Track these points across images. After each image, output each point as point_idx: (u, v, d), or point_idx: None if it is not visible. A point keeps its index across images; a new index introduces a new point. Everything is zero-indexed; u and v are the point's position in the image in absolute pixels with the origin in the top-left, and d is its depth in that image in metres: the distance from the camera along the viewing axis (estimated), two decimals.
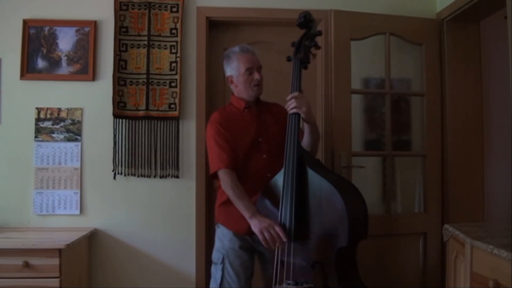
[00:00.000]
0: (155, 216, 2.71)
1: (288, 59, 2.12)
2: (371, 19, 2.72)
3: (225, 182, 2.02)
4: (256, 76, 2.13)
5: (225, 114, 2.19)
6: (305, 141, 2.11)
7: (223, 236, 2.15)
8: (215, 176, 2.11)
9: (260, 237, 1.86)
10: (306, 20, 2.07)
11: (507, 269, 1.47)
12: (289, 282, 1.86)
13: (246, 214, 1.94)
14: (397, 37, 2.80)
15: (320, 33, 2.10)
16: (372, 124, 3.02)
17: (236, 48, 2.18)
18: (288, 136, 1.97)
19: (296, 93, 2.01)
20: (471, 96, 2.82)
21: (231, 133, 2.11)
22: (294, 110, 1.98)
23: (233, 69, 2.16)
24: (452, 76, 2.80)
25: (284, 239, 1.84)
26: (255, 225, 1.88)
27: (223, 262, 2.10)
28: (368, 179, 2.91)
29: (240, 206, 1.96)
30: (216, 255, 2.15)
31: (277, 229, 1.84)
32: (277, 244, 1.86)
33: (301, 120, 2.02)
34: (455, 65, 2.80)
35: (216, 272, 2.12)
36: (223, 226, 2.16)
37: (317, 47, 2.10)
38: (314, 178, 1.87)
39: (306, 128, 2.08)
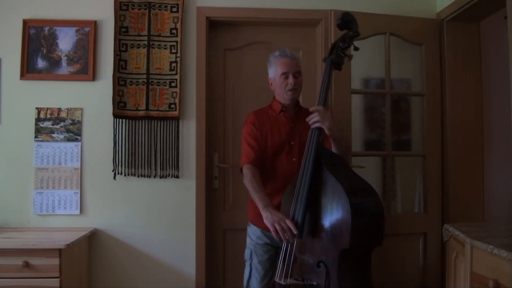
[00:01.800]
0: (155, 216, 2.71)
1: (324, 60, 2.12)
2: (371, 19, 2.72)
3: (246, 176, 2.08)
4: (291, 80, 2.16)
5: (260, 114, 2.25)
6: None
7: (252, 233, 2.23)
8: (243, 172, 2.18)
9: (271, 229, 1.87)
10: (343, 22, 2.05)
11: (507, 269, 1.47)
12: (296, 277, 1.90)
13: (259, 205, 1.97)
14: (397, 37, 2.80)
15: (357, 34, 2.06)
16: (372, 124, 3.02)
17: (276, 53, 2.23)
18: (308, 139, 1.98)
19: (320, 107, 2.00)
20: (471, 96, 2.82)
21: (263, 133, 2.18)
22: (317, 125, 1.97)
23: (272, 72, 2.23)
24: (452, 76, 2.80)
25: (295, 232, 1.85)
26: (267, 217, 1.91)
27: (251, 257, 2.19)
28: (368, 179, 2.88)
29: (255, 198, 2.01)
30: (246, 252, 2.24)
31: (288, 222, 1.86)
32: (287, 237, 1.87)
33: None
34: (455, 65, 2.80)
35: (246, 268, 2.20)
36: (252, 224, 2.23)
37: (355, 48, 2.08)
38: (328, 179, 1.87)
39: (333, 144, 2.06)
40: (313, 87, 2.81)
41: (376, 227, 1.88)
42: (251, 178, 2.06)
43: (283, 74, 2.16)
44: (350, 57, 2.11)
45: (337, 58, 2.07)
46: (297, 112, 2.26)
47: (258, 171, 2.10)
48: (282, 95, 2.20)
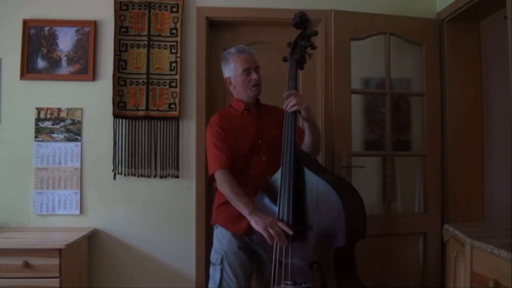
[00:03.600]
0: (155, 216, 2.71)
1: (284, 60, 2.11)
2: (371, 19, 2.72)
3: (222, 182, 2.00)
4: (254, 76, 2.13)
5: (225, 116, 2.18)
6: (307, 140, 2.09)
7: (221, 237, 2.14)
8: (213, 178, 2.10)
9: (264, 234, 1.83)
10: (302, 20, 2.06)
11: (507, 269, 1.47)
12: (287, 282, 1.85)
13: (245, 211, 1.91)
14: (397, 37, 2.80)
15: (316, 33, 2.08)
16: (372, 124, 3.02)
17: (233, 50, 2.18)
18: (285, 135, 1.95)
19: (294, 91, 1.99)
20: (471, 96, 2.82)
21: (231, 135, 2.11)
22: (295, 108, 1.95)
23: (230, 70, 2.17)
24: (452, 76, 2.80)
25: (290, 233, 1.82)
26: (257, 222, 1.86)
27: (222, 263, 2.09)
28: (368, 179, 2.91)
29: (239, 204, 1.94)
30: (214, 256, 2.14)
31: (281, 224, 1.84)
32: (281, 241, 1.83)
33: (299, 118, 2.01)
34: (455, 65, 2.80)
35: (215, 273, 2.11)
36: (221, 227, 2.15)
37: (313, 47, 2.08)
38: (311, 178, 1.87)
39: (306, 126, 2.06)
40: (313, 86, 2.82)
41: (362, 220, 1.90)
42: (229, 184, 1.98)
43: (244, 70, 2.12)
44: (311, 56, 2.11)
45: (301, 57, 2.06)
46: (260, 109, 2.22)
47: (232, 176, 2.01)
48: (246, 92, 2.15)
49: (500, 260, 1.51)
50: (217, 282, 2.08)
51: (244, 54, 2.15)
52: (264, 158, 2.12)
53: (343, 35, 2.69)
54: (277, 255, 1.88)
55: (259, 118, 2.19)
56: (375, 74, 2.93)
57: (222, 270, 2.08)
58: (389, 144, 2.78)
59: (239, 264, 2.09)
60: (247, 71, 2.12)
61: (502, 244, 1.58)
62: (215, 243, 2.17)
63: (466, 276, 1.76)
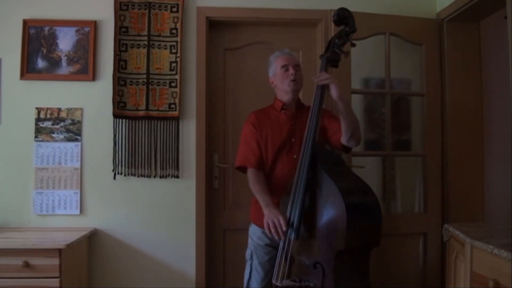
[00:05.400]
0: (155, 216, 2.71)
1: (320, 57, 2.13)
2: (371, 19, 2.72)
3: (250, 179, 2.14)
4: (291, 71, 2.17)
5: (260, 114, 2.26)
6: (343, 125, 2.02)
7: (252, 234, 2.23)
8: (239, 168, 2.24)
9: (265, 225, 1.93)
10: (339, 18, 2.05)
11: (507, 269, 1.47)
12: (294, 278, 1.91)
13: (262, 206, 2.02)
14: (397, 37, 2.80)
15: (354, 30, 2.06)
16: (372, 124, 3.02)
17: (276, 53, 2.28)
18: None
19: (324, 72, 2.03)
20: (471, 96, 2.81)
21: (263, 133, 2.19)
22: (325, 81, 1.96)
23: (272, 70, 2.25)
24: (452, 76, 2.80)
25: (284, 228, 1.87)
26: (265, 215, 1.96)
27: (251, 258, 2.20)
28: (368, 179, 2.88)
29: (259, 199, 2.06)
30: (247, 252, 2.24)
31: (280, 219, 1.89)
32: (276, 234, 1.90)
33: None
34: (455, 65, 2.80)
35: (246, 268, 2.21)
36: (254, 224, 2.24)
37: (352, 44, 2.08)
38: (324, 179, 1.88)
39: (340, 108, 1.98)
40: (313, 87, 2.81)
41: (373, 228, 1.87)
42: (253, 181, 2.12)
43: (283, 67, 2.18)
44: (347, 53, 2.07)
45: (333, 55, 2.05)
46: (298, 109, 2.26)
47: (261, 173, 2.16)
48: (284, 89, 2.19)
49: (500, 260, 1.51)
50: (247, 277, 2.19)
51: (285, 55, 2.23)
52: (295, 156, 2.14)
53: None
54: (287, 252, 1.92)
55: (296, 117, 2.23)
56: (375, 74, 2.94)
57: (251, 265, 2.19)
58: (389, 144, 2.78)
59: (268, 259, 2.16)
60: (285, 68, 2.19)
61: (502, 244, 1.58)
62: (249, 239, 2.26)
63: (466, 276, 1.76)
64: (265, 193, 2.06)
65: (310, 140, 1.96)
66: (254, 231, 2.23)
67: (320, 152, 1.98)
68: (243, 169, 2.23)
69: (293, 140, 2.18)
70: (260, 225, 2.14)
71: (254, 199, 2.20)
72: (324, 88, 2.00)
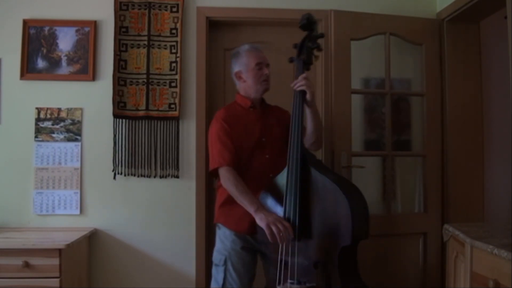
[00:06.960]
0: (155, 216, 2.71)
1: (291, 61, 2.16)
2: (371, 19, 2.72)
3: (227, 179, 2.02)
4: (266, 71, 2.17)
5: (231, 111, 2.20)
6: (309, 129, 2.10)
7: (224, 237, 2.13)
8: (214, 173, 2.12)
9: (267, 231, 1.83)
10: (309, 22, 2.09)
11: (507, 269, 1.47)
12: (292, 281, 1.86)
13: (250, 209, 1.92)
14: (397, 37, 2.80)
15: (322, 35, 2.13)
16: (372, 124, 3.02)
17: (246, 46, 2.23)
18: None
19: (305, 74, 2.04)
20: (471, 96, 2.81)
21: (236, 131, 2.11)
22: (304, 87, 2.00)
23: (242, 64, 2.19)
24: (452, 76, 2.80)
25: (292, 234, 1.83)
26: (261, 219, 1.86)
27: (225, 263, 2.08)
28: (368, 179, 2.91)
29: (244, 201, 1.95)
30: (217, 257, 2.13)
31: (285, 223, 1.84)
32: (282, 239, 1.83)
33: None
34: (455, 65, 2.80)
35: (217, 274, 2.10)
36: (224, 227, 2.14)
37: (320, 49, 2.12)
38: (317, 177, 1.88)
39: (309, 114, 2.08)
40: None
41: (367, 220, 1.92)
42: (234, 181, 1.99)
43: (257, 64, 2.16)
44: (317, 57, 2.16)
45: (308, 58, 2.10)
46: (264, 108, 2.25)
47: (237, 173, 2.03)
48: (256, 86, 2.17)
49: (500, 260, 1.51)
50: (221, 283, 2.07)
51: (258, 51, 2.21)
52: (267, 156, 2.13)
53: (343, 35, 2.69)
54: (283, 255, 1.88)
55: (264, 116, 2.21)
56: (375, 74, 2.93)
57: (225, 271, 2.07)
58: (389, 144, 2.78)
59: (243, 265, 2.09)
60: (259, 66, 2.16)
61: (502, 244, 1.58)
62: (218, 243, 2.16)
63: (466, 276, 1.76)
64: (250, 193, 1.96)
65: (299, 140, 1.95)
66: (225, 234, 2.12)
67: (307, 153, 2.00)
68: (216, 172, 2.10)
69: (263, 139, 2.14)
70: (233, 228, 2.10)
71: (221, 198, 2.13)
72: (303, 92, 2.02)
